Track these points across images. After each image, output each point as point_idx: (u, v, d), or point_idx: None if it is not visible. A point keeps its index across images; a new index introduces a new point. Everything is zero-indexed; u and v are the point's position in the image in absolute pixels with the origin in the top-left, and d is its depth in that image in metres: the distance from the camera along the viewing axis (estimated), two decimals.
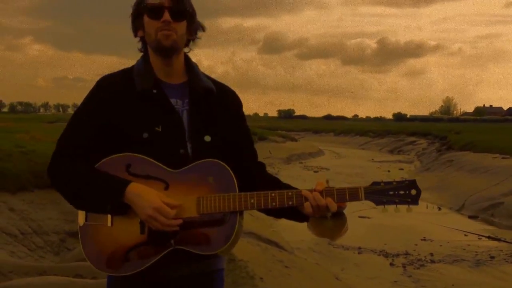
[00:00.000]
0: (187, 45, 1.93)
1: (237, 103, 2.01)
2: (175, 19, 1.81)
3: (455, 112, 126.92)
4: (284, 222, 2.18)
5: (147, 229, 1.77)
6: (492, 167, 17.93)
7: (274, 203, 1.76)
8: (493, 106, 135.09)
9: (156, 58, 1.88)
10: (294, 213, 1.84)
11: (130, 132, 1.80)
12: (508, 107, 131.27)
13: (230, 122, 1.93)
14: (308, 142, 43.94)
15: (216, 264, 1.95)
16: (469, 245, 10.52)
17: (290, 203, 1.77)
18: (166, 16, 1.80)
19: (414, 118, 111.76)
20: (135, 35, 1.92)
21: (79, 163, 1.80)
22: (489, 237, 11.15)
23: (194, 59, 2.01)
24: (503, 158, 18.93)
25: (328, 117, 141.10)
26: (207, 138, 1.86)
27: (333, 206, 1.75)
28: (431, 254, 9.70)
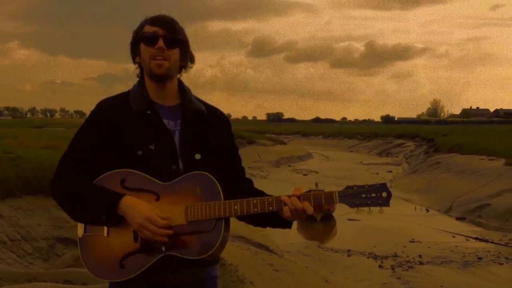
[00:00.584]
0: (180, 71, 2.09)
1: (226, 124, 2.16)
2: (169, 46, 1.98)
3: (442, 114, 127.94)
4: None
5: (139, 238, 1.92)
6: (479, 168, 18.09)
7: (256, 209, 1.90)
8: (480, 108, 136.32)
9: (151, 82, 2.05)
10: (277, 221, 1.98)
11: (126, 149, 1.97)
12: (494, 108, 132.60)
13: (220, 142, 2.09)
14: (297, 145, 44.03)
15: (209, 272, 2.04)
16: (457, 246, 10.61)
17: (271, 208, 1.90)
18: (160, 43, 1.97)
19: (402, 121, 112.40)
20: (134, 61, 2.09)
21: (79, 179, 1.96)
22: (476, 238, 11.25)
23: None
24: (490, 159, 19.11)
25: (317, 120, 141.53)
26: (197, 156, 2.00)
27: (310, 210, 1.87)
28: (420, 256, 9.77)
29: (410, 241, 10.97)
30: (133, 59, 2.09)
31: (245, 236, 7.53)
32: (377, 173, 25.62)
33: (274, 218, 1.97)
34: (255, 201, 1.91)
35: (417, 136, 41.84)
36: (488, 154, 20.12)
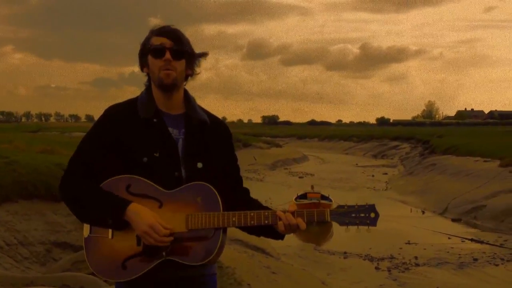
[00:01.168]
0: (186, 79, 2.18)
1: (228, 134, 2.26)
2: (175, 58, 2.08)
3: (437, 116, 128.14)
4: None
5: (142, 242, 2.02)
6: (474, 170, 18.17)
7: (252, 221, 2.02)
8: (474, 109, 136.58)
9: (158, 92, 2.14)
10: (271, 233, 2.09)
11: (132, 156, 2.06)
12: (489, 110, 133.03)
13: (221, 151, 2.18)
14: (292, 148, 44.10)
15: (208, 270, 2.14)
16: (452, 247, 10.66)
17: (266, 221, 2.02)
18: (167, 55, 2.06)
19: (397, 123, 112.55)
20: (142, 71, 2.18)
21: (87, 182, 2.06)
22: (472, 240, 11.31)
23: None
24: (484, 161, 19.19)
25: (312, 123, 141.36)
26: (199, 165, 2.10)
27: (303, 226, 2.00)
28: (416, 258, 9.82)
29: (406, 243, 11.01)
30: (142, 69, 2.18)
31: (242, 239, 7.55)
32: (373, 175, 25.69)
33: (268, 230, 2.08)
34: (252, 214, 2.02)
35: (412, 138, 41.99)
36: (483, 155, 20.21)
